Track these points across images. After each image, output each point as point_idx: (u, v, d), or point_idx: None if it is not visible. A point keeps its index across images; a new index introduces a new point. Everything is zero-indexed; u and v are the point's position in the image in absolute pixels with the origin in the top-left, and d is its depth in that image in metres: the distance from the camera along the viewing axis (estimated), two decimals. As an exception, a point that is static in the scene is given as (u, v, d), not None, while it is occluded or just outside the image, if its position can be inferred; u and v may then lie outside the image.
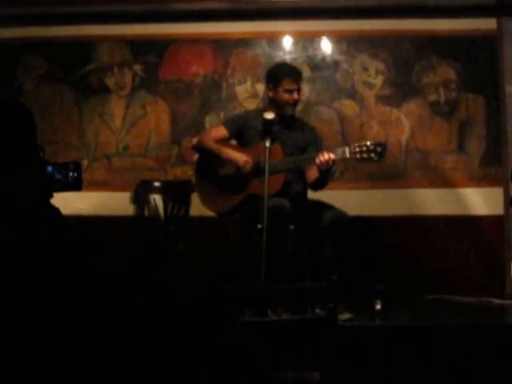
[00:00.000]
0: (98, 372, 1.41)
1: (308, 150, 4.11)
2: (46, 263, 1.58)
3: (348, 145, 3.98)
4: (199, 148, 4.24)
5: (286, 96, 4.09)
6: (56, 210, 1.90)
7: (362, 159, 3.85)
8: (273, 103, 4.14)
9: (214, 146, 4.12)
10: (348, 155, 3.85)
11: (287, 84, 4.09)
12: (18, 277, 1.55)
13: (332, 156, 3.81)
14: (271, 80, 4.16)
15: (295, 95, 4.10)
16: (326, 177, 3.98)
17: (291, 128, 4.16)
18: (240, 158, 4.04)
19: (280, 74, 4.16)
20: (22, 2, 5.01)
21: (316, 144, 4.20)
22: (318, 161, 3.82)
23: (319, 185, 4.07)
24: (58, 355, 1.43)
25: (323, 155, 3.81)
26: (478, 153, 5.03)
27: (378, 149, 3.84)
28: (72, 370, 1.42)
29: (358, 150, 3.84)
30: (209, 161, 4.17)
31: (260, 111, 4.15)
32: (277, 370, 2.50)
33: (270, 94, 4.15)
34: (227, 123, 4.24)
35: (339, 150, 3.89)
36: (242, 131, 4.16)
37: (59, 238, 1.74)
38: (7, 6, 5.02)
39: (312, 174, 4.02)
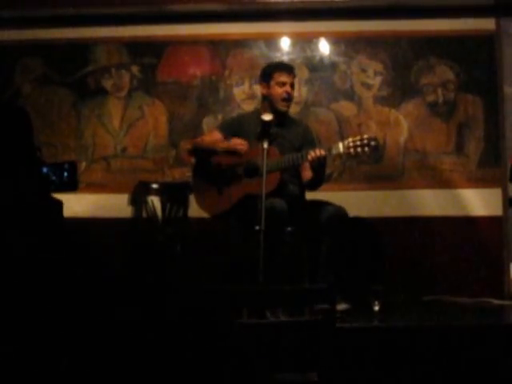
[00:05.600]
0: (98, 374, 1.40)
1: (303, 149, 4.09)
2: (43, 264, 1.57)
3: (342, 140, 3.97)
4: (195, 150, 4.23)
5: (279, 90, 4.06)
6: (56, 207, 1.89)
7: (357, 154, 3.84)
8: (267, 101, 4.12)
9: (210, 143, 4.11)
10: (342, 150, 3.83)
11: (279, 76, 4.07)
12: (16, 276, 1.54)
13: (323, 152, 3.80)
14: (263, 77, 4.15)
15: (288, 88, 4.07)
16: (319, 174, 3.97)
17: (287, 128, 4.15)
18: (234, 142, 4.03)
19: (271, 68, 4.16)
20: (19, 4, 5.01)
21: (312, 143, 4.19)
22: (309, 157, 3.81)
23: (314, 184, 4.06)
24: (55, 355, 1.42)
25: (314, 152, 3.80)
26: (477, 154, 5.02)
27: (372, 143, 3.83)
28: (70, 372, 1.41)
29: (351, 144, 3.83)
30: (205, 163, 4.16)
31: (255, 113, 4.15)
32: (274, 371, 2.49)
33: (264, 91, 4.12)
34: (222, 127, 4.23)
35: (333, 146, 3.88)
36: (238, 134, 4.14)
37: (57, 239, 1.72)
38: (4, 9, 5.02)
39: (307, 173, 4.02)
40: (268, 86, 4.10)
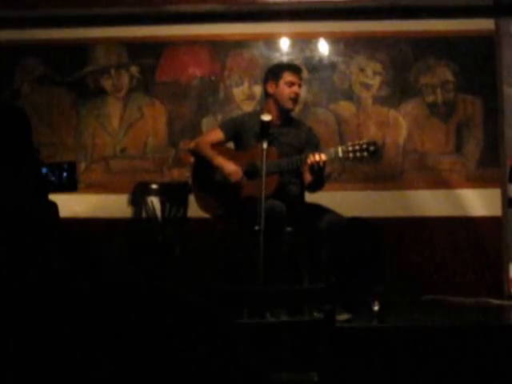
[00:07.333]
0: (96, 375, 1.39)
1: (305, 151, 4.06)
2: (39, 267, 1.56)
3: (341, 144, 3.98)
4: (195, 153, 4.23)
5: (287, 89, 4.04)
6: (52, 210, 1.89)
7: (355, 158, 3.84)
8: (272, 100, 4.09)
9: (209, 153, 4.09)
10: (341, 154, 3.83)
11: (288, 76, 4.06)
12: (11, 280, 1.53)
13: (323, 157, 3.78)
14: (271, 76, 4.12)
15: (296, 88, 4.06)
16: (319, 178, 3.95)
17: (289, 128, 4.14)
18: (228, 168, 4.00)
19: (280, 68, 4.17)
20: (18, 4, 5.01)
21: (314, 145, 4.17)
22: (309, 161, 3.80)
23: (315, 186, 4.04)
24: (52, 360, 1.41)
25: (314, 156, 3.79)
26: (476, 154, 5.02)
27: (371, 148, 3.83)
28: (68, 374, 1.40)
29: (350, 149, 3.83)
30: (205, 164, 4.15)
31: (257, 113, 4.12)
32: (274, 370, 2.49)
33: (270, 90, 4.08)
34: (223, 126, 4.22)
35: (332, 150, 3.87)
36: (239, 134, 4.14)
37: (54, 240, 1.72)
38: (4, 9, 5.01)
39: (308, 176, 4.00)
40: (276, 85, 4.07)
